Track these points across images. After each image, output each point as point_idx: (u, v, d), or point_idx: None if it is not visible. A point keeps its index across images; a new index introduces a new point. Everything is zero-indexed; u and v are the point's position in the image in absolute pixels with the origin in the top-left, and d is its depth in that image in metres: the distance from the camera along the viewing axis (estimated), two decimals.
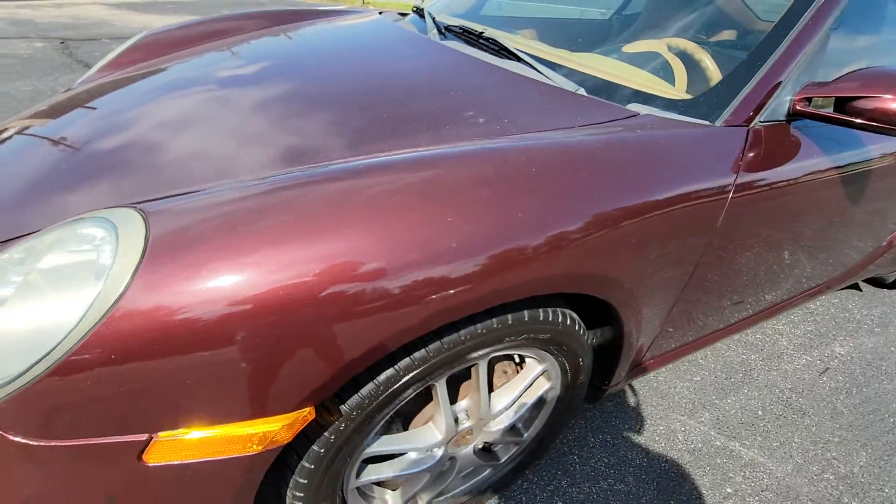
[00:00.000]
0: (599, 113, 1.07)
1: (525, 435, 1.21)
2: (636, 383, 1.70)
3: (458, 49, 1.39)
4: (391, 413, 0.88)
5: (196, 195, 0.70)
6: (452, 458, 1.10)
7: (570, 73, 1.27)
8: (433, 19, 1.60)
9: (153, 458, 0.65)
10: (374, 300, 0.64)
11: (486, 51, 1.37)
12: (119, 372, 0.58)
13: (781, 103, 1.12)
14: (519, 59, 1.29)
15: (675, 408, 1.59)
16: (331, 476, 0.84)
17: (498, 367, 1.08)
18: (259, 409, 0.66)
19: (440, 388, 0.90)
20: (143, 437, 0.63)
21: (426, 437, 0.97)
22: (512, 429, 1.19)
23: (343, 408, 0.76)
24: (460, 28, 1.50)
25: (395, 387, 0.78)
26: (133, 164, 0.93)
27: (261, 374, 0.63)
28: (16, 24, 5.50)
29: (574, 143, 0.87)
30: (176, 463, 0.66)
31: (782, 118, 1.13)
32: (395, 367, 0.77)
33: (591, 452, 1.41)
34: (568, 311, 0.95)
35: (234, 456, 0.68)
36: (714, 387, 1.70)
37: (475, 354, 0.86)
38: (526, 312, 0.86)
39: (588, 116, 1.05)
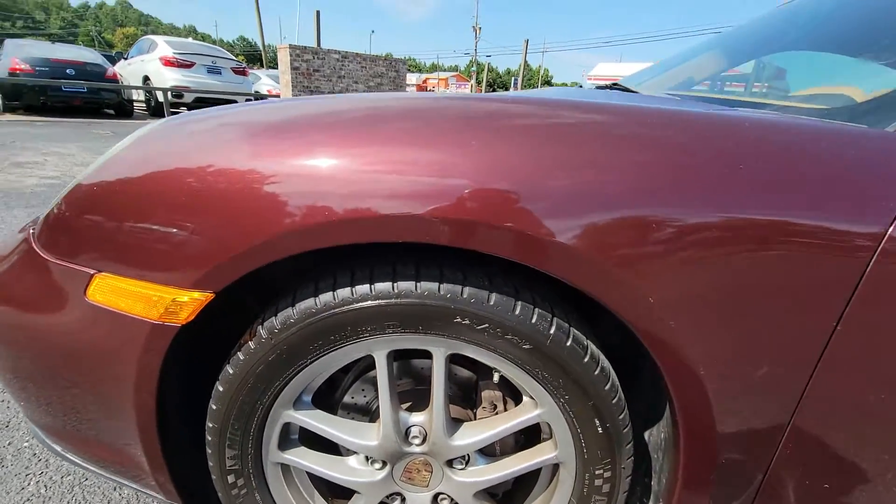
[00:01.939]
0: None
1: None
2: None
3: None
4: (325, 375, 0.78)
5: None
6: (402, 500, 0.86)
7: None
8: None
9: (92, 295, 0.73)
10: (279, 196, 0.63)
11: None
12: (93, 213, 0.71)
13: None
14: None
15: None
16: (242, 416, 0.76)
17: (486, 395, 0.85)
18: (163, 275, 0.69)
19: (378, 361, 0.75)
20: (91, 271, 0.73)
21: (363, 432, 0.80)
22: None
23: (260, 330, 0.72)
24: None
25: (314, 322, 0.70)
26: None
27: (170, 241, 0.67)
28: None
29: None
30: (106, 308, 0.72)
31: None
32: (316, 298, 0.70)
33: None
34: (569, 327, 0.71)
35: (141, 317, 0.71)
36: None
37: (428, 335, 0.70)
38: (495, 295, 0.68)
39: None
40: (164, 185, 0.68)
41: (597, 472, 0.79)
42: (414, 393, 0.87)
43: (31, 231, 0.83)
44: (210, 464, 0.81)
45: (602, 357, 0.74)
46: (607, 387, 0.74)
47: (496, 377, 0.86)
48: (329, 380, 0.84)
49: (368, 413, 0.89)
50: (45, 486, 1.20)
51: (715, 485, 0.78)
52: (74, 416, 0.86)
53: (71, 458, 0.93)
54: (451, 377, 0.89)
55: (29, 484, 1.20)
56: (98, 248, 0.72)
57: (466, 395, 0.89)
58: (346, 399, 0.89)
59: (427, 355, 0.76)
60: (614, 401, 0.74)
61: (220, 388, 0.76)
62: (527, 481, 0.93)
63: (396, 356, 0.84)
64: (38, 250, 0.78)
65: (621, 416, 0.75)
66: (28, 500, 1.16)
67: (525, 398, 0.80)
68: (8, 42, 10.03)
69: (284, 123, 0.70)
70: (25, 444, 1.34)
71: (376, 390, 0.81)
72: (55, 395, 0.83)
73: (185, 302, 0.69)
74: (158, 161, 0.70)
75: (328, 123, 0.69)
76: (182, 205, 0.67)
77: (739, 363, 0.69)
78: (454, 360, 0.87)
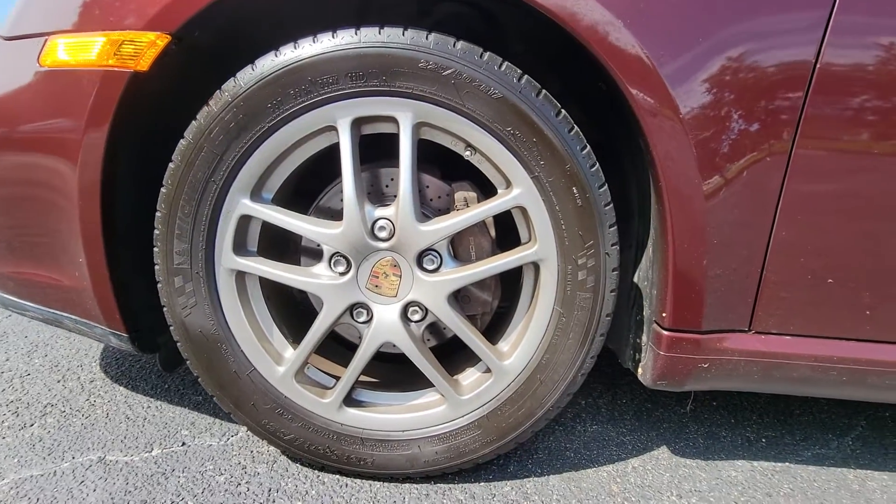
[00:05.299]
0: None
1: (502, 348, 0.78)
2: None
3: None
4: (286, 168, 0.74)
5: None
6: (368, 315, 0.77)
7: None
8: None
9: (45, 60, 0.70)
10: None
11: None
12: None
13: None
14: None
15: None
16: (194, 198, 0.70)
17: (458, 195, 0.79)
18: (115, 20, 0.66)
19: (342, 131, 0.70)
20: (44, 38, 0.71)
21: (325, 224, 0.74)
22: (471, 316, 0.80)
23: (218, 92, 0.69)
24: None
25: (274, 74, 0.66)
26: None
27: None
28: None
29: None
30: (59, 69, 0.69)
31: None
32: (277, 51, 0.67)
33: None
34: (541, 87, 0.67)
35: (96, 68, 0.67)
36: None
37: (394, 96, 0.67)
38: (461, 42, 0.66)
39: None
40: None
41: (580, 262, 0.72)
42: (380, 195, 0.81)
43: None
44: (156, 265, 0.74)
45: (575, 124, 0.70)
46: (584, 151, 0.69)
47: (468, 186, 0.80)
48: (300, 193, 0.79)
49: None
50: None
51: (709, 275, 0.72)
52: (11, 233, 0.80)
53: (4, 296, 0.85)
54: (420, 192, 0.83)
55: None
56: (49, 12, 0.71)
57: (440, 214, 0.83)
58: (320, 204, 0.83)
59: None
60: (592, 168, 0.70)
61: (171, 165, 0.71)
62: (506, 314, 0.85)
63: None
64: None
65: (601, 189, 0.70)
66: None
67: (500, 189, 0.75)
68: None
69: None
70: None
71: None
72: None
73: (142, 46, 0.66)
74: None
75: None
76: None
77: (720, 108, 0.65)
78: (425, 167, 0.82)
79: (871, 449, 1.05)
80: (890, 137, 0.67)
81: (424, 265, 0.75)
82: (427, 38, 0.66)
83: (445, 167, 0.85)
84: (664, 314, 0.75)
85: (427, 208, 0.83)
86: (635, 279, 0.85)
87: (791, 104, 0.66)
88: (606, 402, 1.15)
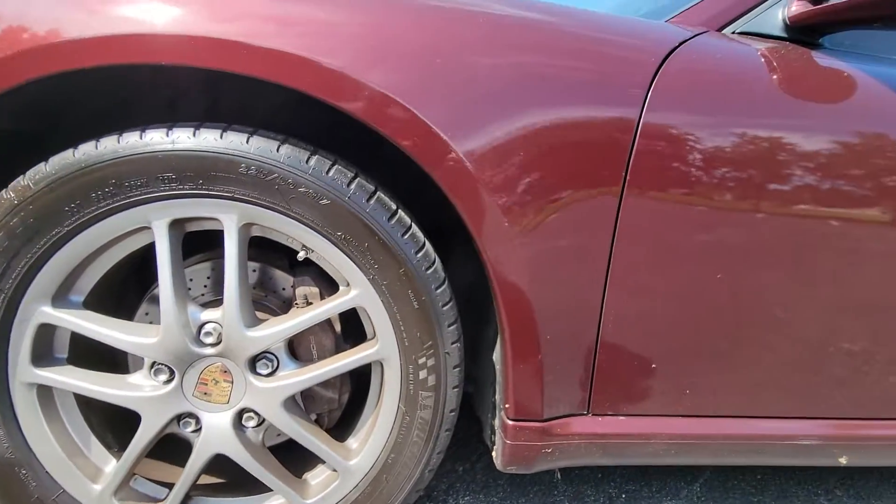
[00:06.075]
0: None
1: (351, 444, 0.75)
2: None
3: None
4: (100, 268, 0.67)
5: None
6: (197, 424, 0.71)
7: None
8: None
9: None
10: None
11: None
12: None
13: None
14: None
15: None
16: None
17: (300, 291, 0.76)
18: None
19: (157, 232, 0.64)
20: None
21: (142, 330, 0.68)
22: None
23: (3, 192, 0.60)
24: None
25: (72, 176, 0.59)
26: None
27: None
28: None
29: None
30: None
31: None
32: (76, 148, 0.60)
33: None
34: (375, 189, 0.66)
35: None
36: None
37: (213, 197, 0.63)
38: (286, 146, 0.63)
39: None
40: None
41: (420, 361, 0.72)
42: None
43: None
44: None
45: (415, 225, 0.70)
46: (419, 253, 0.69)
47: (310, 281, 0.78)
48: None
49: None
50: None
51: (546, 368, 0.74)
52: None
53: None
54: (264, 284, 0.79)
55: None
56: None
57: (285, 306, 0.79)
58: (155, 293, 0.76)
59: None
60: (429, 270, 0.70)
61: None
62: (354, 410, 0.83)
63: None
64: None
65: (439, 290, 0.70)
66: None
67: (342, 287, 0.73)
68: None
69: None
70: None
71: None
72: None
73: None
74: None
75: None
76: None
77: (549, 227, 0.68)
78: (270, 256, 0.78)
79: (715, 494, 1.14)
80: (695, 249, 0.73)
81: (258, 370, 0.71)
82: (248, 141, 0.63)
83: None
84: (507, 405, 0.76)
85: (272, 299, 0.79)
86: (494, 358, 0.87)
87: (608, 203, 0.69)
88: (483, 466, 1.15)
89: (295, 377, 0.71)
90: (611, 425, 0.81)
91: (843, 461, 0.87)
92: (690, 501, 1.11)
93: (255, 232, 0.69)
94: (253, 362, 0.70)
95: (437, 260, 0.71)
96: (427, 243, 0.70)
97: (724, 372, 0.81)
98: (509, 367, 0.73)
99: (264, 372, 0.71)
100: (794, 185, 0.73)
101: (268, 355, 0.71)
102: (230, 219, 0.66)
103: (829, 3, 0.76)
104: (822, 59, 0.79)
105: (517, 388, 0.75)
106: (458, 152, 0.63)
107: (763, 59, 0.75)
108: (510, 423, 0.77)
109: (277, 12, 0.61)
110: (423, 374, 0.72)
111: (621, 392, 0.80)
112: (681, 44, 0.74)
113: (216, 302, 0.72)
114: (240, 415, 0.72)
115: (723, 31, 0.80)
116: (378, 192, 0.67)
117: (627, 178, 0.69)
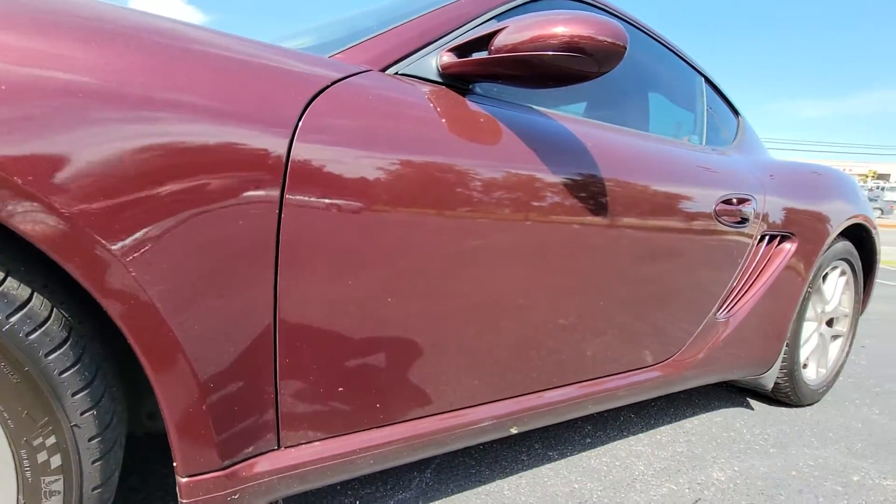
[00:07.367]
0: None
1: None
2: None
3: None
4: None
5: None
6: None
7: None
8: None
9: None
10: None
11: None
12: None
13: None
14: None
15: None
16: None
17: None
18: None
19: None
20: None
21: None
22: None
23: None
24: None
25: None
26: None
27: None
28: None
29: None
30: None
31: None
32: None
33: None
34: None
35: None
36: None
37: None
38: None
39: None
40: None
41: (35, 443, 0.58)
42: None
43: None
44: None
45: (11, 279, 0.56)
46: (14, 317, 0.55)
47: None
48: None
49: None
50: None
51: (214, 413, 0.69)
52: None
53: None
54: None
55: None
56: None
57: None
58: None
59: None
60: (33, 335, 0.57)
61: None
62: None
63: None
64: None
65: (52, 355, 0.58)
66: None
67: None
68: None
69: None
70: None
71: None
72: None
73: None
74: None
75: None
76: None
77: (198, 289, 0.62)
78: None
79: (443, 476, 1.27)
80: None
81: None
82: None
83: None
84: (175, 462, 0.69)
85: None
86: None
87: (265, 264, 0.68)
88: None
89: None
90: (306, 454, 0.81)
91: (513, 430, 1.05)
92: (421, 489, 1.21)
93: None
94: None
95: (52, 320, 0.58)
96: (33, 301, 0.57)
97: (408, 380, 0.89)
98: (168, 421, 0.66)
99: None
100: (445, 209, 0.83)
101: None
102: None
103: (468, 59, 0.88)
104: (469, 103, 0.91)
105: (182, 442, 0.68)
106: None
107: (413, 99, 0.82)
108: (183, 480, 0.70)
109: None
110: (41, 456, 0.59)
111: (311, 419, 0.80)
112: (338, 80, 0.76)
113: None
114: None
115: (386, 72, 0.85)
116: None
117: (282, 212, 0.68)
